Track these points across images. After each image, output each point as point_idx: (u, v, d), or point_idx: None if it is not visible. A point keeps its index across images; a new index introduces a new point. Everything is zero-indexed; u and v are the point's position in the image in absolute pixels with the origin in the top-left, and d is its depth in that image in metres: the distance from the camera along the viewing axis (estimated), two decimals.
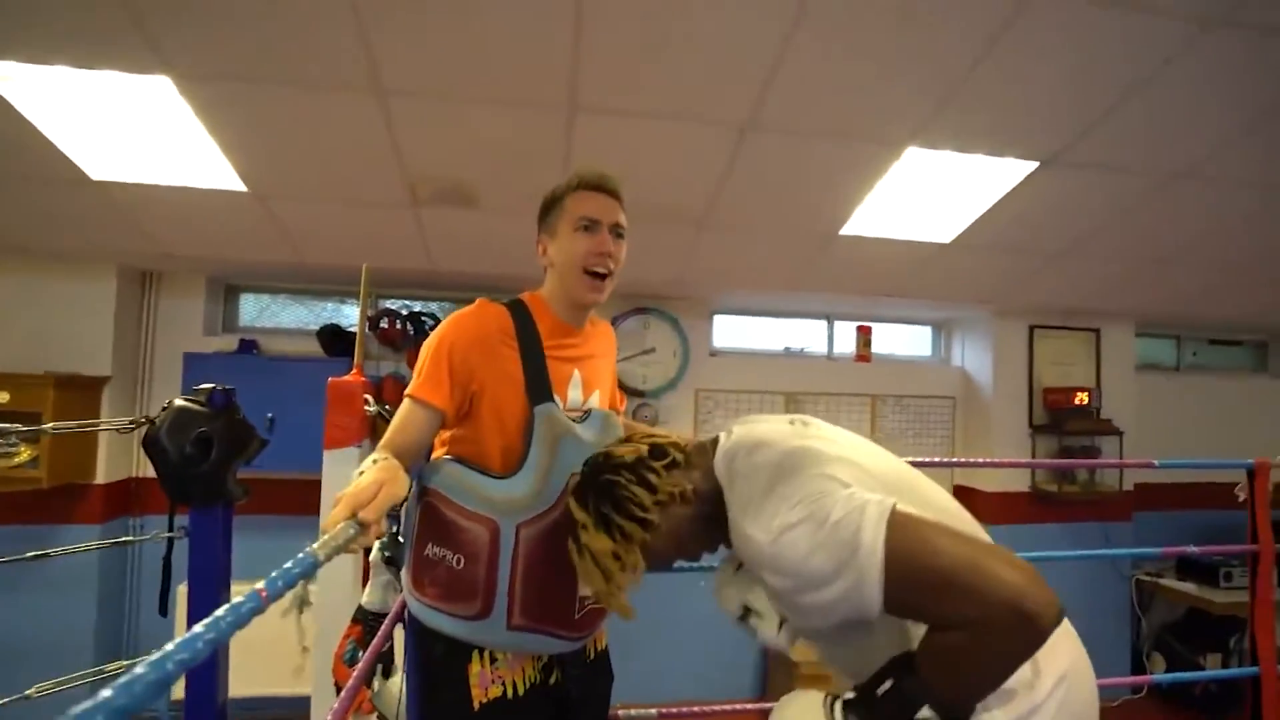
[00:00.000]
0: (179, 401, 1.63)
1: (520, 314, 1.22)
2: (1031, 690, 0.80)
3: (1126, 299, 3.44)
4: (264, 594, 0.59)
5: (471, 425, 1.18)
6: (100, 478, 2.94)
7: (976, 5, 1.61)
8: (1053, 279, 3.11)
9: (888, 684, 0.78)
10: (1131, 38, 1.70)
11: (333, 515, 0.82)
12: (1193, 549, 1.91)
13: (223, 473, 1.65)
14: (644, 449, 0.99)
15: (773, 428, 0.96)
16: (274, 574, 0.62)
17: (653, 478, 0.96)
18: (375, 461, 0.96)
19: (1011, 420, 3.70)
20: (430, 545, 1.15)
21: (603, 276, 1.22)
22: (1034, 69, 1.80)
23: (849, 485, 0.81)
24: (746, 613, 1.01)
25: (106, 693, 0.40)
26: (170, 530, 1.67)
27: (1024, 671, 0.78)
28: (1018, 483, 3.66)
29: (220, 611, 0.53)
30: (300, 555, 0.69)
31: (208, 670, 1.58)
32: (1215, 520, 3.98)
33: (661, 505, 0.95)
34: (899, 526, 0.76)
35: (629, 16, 1.64)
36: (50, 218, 2.43)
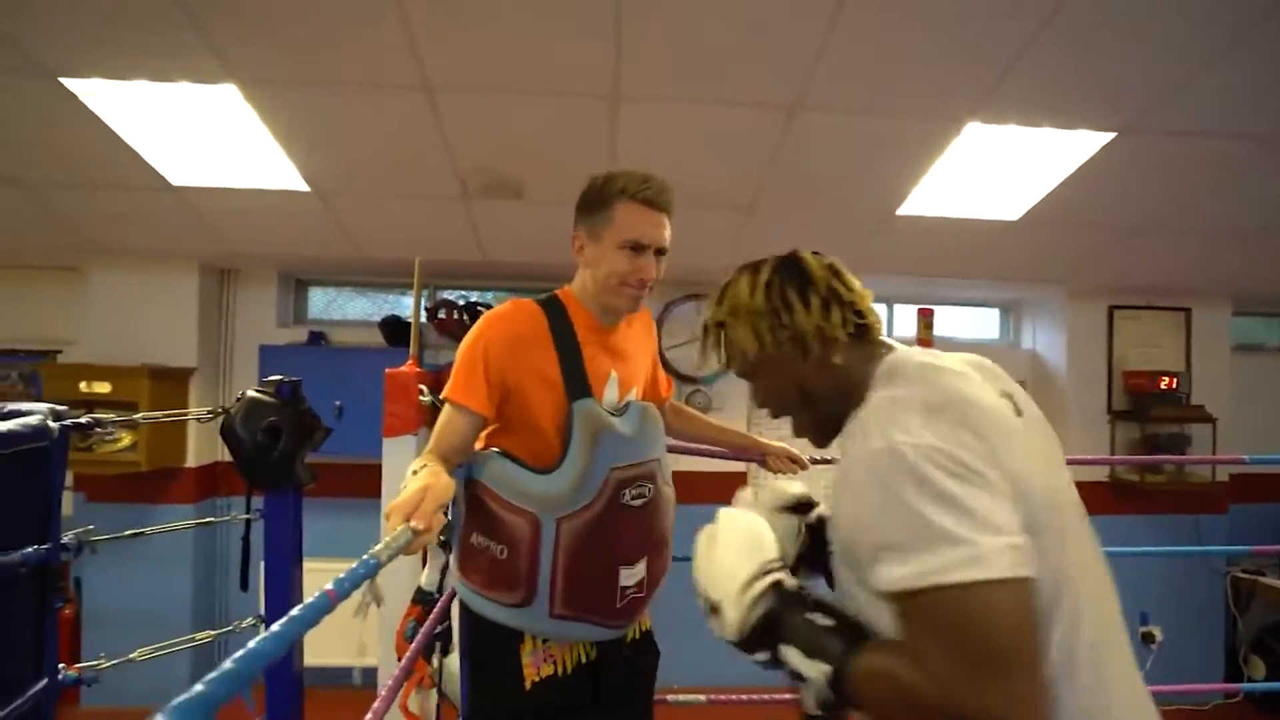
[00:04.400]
0: (250, 393, 1.74)
1: (555, 312, 1.21)
2: None
3: (1221, 276, 3.16)
4: (333, 594, 0.63)
5: (512, 420, 1.20)
6: (191, 461, 3.18)
7: None
8: (1134, 256, 2.90)
9: (829, 621, 0.72)
10: None
11: (388, 526, 0.86)
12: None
13: (291, 459, 1.75)
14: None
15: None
16: (341, 575, 0.67)
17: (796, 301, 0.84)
18: (415, 472, 0.99)
19: (1088, 406, 3.48)
20: (475, 534, 1.18)
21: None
22: (1101, 34, 1.67)
23: (995, 493, 0.64)
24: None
25: (199, 687, 0.44)
26: (247, 513, 1.79)
27: None
28: (1095, 472, 3.44)
29: (295, 611, 0.59)
30: (364, 557, 0.73)
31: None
32: None
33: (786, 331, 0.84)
34: (996, 589, 0.60)
35: (668, 2, 1.61)
36: (138, 221, 2.63)
